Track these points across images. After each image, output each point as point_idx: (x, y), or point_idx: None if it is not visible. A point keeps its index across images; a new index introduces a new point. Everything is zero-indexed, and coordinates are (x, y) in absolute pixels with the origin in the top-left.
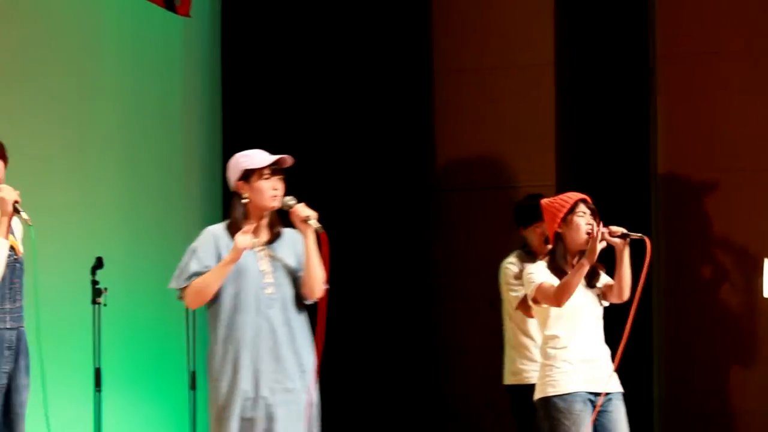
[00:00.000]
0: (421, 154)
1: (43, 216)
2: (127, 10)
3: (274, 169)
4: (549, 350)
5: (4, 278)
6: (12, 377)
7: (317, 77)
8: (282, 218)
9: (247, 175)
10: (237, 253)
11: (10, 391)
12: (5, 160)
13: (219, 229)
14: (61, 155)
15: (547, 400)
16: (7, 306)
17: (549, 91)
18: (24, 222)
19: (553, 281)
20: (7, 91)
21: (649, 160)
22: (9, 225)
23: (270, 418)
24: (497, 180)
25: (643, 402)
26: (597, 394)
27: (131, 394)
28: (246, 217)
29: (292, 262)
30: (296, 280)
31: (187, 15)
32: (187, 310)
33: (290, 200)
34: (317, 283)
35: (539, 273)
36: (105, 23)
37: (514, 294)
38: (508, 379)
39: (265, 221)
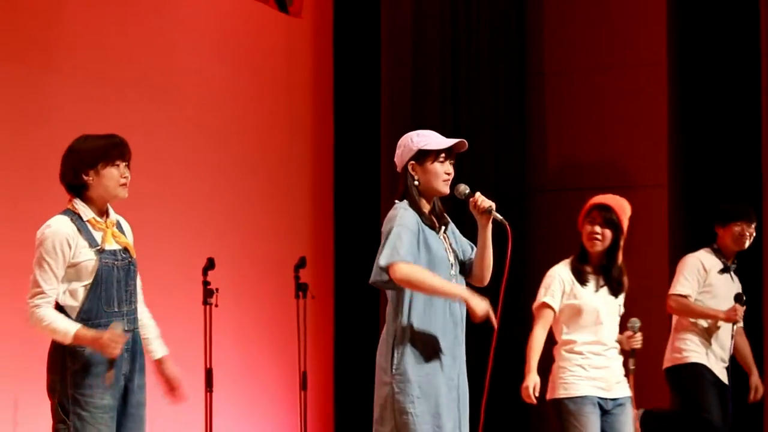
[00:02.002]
0: (533, 155)
1: (154, 217)
2: (245, 12)
3: (448, 152)
4: (564, 353)
5: (119, 282)
6: (129, 378)
7: (425, 74)
8: None
9: (422, 156)
10: (462, 298)
11: (127, 392)
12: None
13: (407, 207)
14: (172, 157)
15: (558, 402)
16: (125, 309)
17: (661, 91)
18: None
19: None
20: (122, 92)
21: (761, 160)
22: (87, 345)
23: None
24: (609, 180)
25: (752, 411)
26: (606, 399)
27: (242, 395)
28: (420, 198)
29: (459, 252)
30: (462, 271)
31: (298, 16)
32: (298, 310)
33: (466, 188)
34: (489, 273)
35: (547, 286)
36: (225, 25)
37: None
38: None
39: (436, 206)
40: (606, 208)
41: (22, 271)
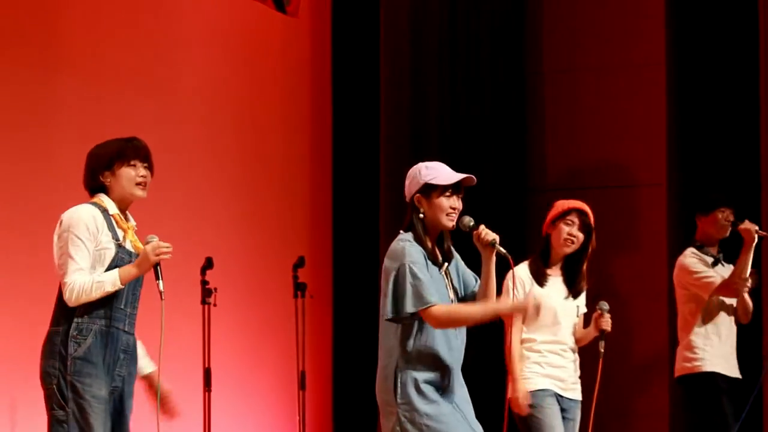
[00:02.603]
0: (532, 155)
1: (152, 216)
2: (243, 12)
3: (456, 186)
4: (524, 351)
5: (130, 283)
6: (125, 382)
7: (424, 73)
8: None
9: (428, 189)
10: (502, 314)
11: (123, 396)
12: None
13: (412, 240)
14: (171, 157)
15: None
16: (128, 310)
17: (660, 90)
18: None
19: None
20: (120, 92)
21: (760, 160)
22: (137, 275)
23: None
24: (608, 179)
25: (754, 405)
26: (562, 397)
27: (241, 395)
28: (425, 232)
29: (460, 289)
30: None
31: (296, 15)
32: (296, 310)
33: (470, 221)
34: None
35: (509, 288)
36: (223, 25)
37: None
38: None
39: (445, 239)
40: (584, 213)
41: (19, 272)
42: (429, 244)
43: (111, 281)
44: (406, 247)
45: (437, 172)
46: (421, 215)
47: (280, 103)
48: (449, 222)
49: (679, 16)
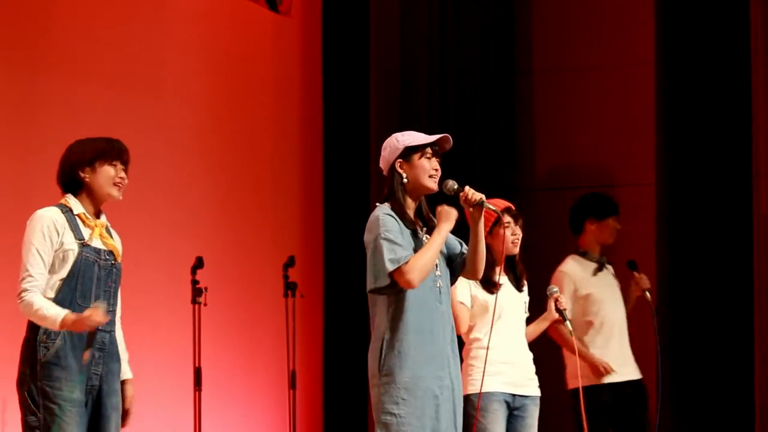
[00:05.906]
0: (521, 154)
1: (143, 217)
2: (235, 10)
3: (435, 149)
4: (471, 351)
5: (99, 280)
6: (103, 380)
7: (414, 72)
8: None
9: (409, 153)
10: (450, 224)
11: (101, 394)
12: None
13: (388, 210)
14: (161, 156)
15: (466, 398)
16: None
17: (649, 90)
18: None
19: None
20: (110, 91)
21: (750, 159)
22: (74, 329)
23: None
24: (597, 179)
25: (743, 406)
26: (514, 396)
27: (231, 394)
28: (408, 199)
29: (445, 250)
30: (449, 268)
31: (288, 14)
32: (287, 309)
33: (454, 184)
34: (483, 266)
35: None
36: (215, 24)
37: None
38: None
39: (423, 208)
40: (510, 208)
41: (9, 273)
42: (410, 211)
43: (52, 320)
44: (380, 218)
45: (413, 137)
46: (404, 180)
47: (271, 102)
48: (432, 183)
49: (668, 15)
